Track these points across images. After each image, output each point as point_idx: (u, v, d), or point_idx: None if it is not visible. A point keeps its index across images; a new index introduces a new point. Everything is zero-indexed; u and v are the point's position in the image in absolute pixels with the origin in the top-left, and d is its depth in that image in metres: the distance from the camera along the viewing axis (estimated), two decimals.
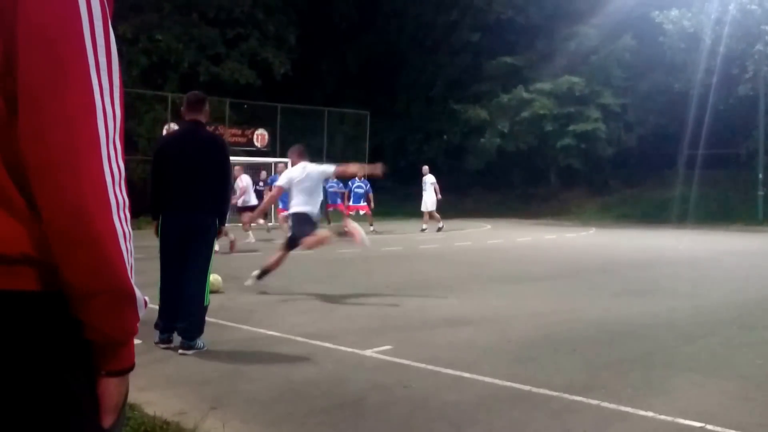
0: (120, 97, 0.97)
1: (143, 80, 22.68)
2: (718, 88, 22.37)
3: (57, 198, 0.90)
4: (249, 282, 7.68)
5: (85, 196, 0.91)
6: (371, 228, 18.38)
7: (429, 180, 18.50)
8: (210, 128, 5.41)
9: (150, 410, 3.47)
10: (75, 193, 0.90)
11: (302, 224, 7.57)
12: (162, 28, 23.61)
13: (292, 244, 7.69)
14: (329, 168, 8.00)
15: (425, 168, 18.97)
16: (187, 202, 4.89)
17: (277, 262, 7.73)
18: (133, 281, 1.00)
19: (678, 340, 5.31)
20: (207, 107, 5.15)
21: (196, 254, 4.91)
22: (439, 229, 17.88)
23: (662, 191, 24.17)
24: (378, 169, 8.66)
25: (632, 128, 26.43)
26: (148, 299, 1.06)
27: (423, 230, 17.80)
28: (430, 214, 18.29)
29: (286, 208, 17.82)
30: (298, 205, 7.59)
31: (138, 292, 1.01)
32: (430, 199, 18.26)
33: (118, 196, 0.95)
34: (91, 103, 0.92)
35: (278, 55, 26.88)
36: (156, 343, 4.98)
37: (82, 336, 0.99)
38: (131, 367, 1.06)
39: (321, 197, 8.20)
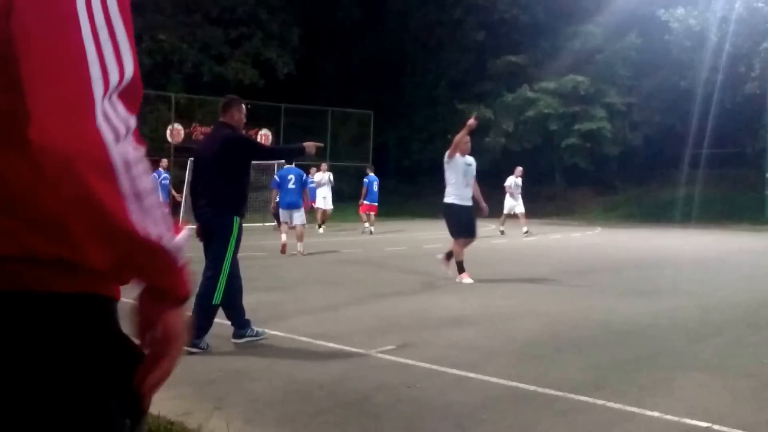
0: (131, 48, 0.95)
1: (146, 80, 22.31)
2: (724, 86, 22.27)
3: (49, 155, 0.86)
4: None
5: (75, 154, 0.86)
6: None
7: (519, 182, 17.33)
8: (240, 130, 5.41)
9: (154, 410, 3.46)
10: (66, 153, 0.85)
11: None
12: (165, 28, 23.67)
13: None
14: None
15: (519, 169, 17.52)
16: (204, 201, 5.06)
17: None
18: (155, 235, 0.92)
19: (684, 340, 5.28)
20: (234, 109, 5.19)
21: (211, 253, 4.97)
22: (502, 232, 16.58)
23: (668, 190, 24.09)
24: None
25: (638, 127, 26.34)
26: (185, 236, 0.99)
27: (527, 232, 16.44)
28: (516, 215, 16.96)
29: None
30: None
31: (159, 238, 0.92)
32: (516, 201, 17.07)
33: (120, 151, 0.90)
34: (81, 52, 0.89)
35: (282, 54, 26.92)
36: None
37: (78, 339, 0.97)
38: (186, 297, 1.02)
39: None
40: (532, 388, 3.98)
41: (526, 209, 17.81)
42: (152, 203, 0.92)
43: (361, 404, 3.75)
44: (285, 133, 24.97)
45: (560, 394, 3.85)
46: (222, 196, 5.02)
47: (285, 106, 24.85)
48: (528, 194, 28.22)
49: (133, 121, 0.94)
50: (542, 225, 21.16)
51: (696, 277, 9.06)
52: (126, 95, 0.94)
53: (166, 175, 16.33)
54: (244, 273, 5.31)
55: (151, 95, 22.53)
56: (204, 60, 25.35)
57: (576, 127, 25.72)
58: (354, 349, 4.90)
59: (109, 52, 0.92)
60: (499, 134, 27.09)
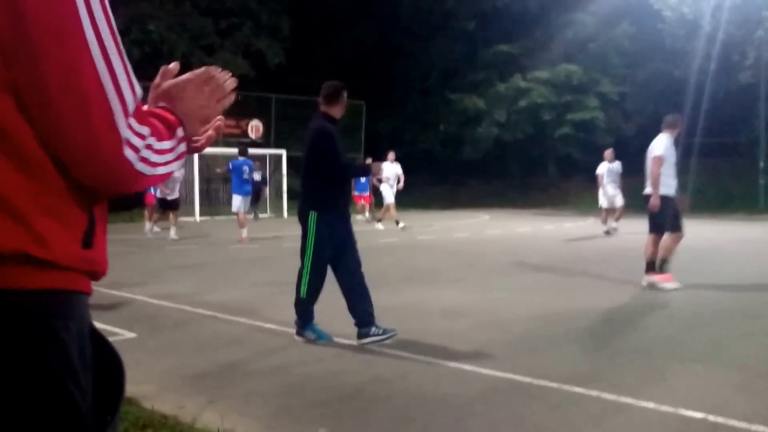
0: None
1: (136, 71, 22.53)
2: (717, 75, 22.27)
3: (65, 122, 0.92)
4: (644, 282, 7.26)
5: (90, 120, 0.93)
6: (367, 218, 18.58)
7: (616, 168, 14.37)
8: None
9: (148, 404, 3.44)
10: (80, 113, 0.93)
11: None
12: (154, 18, 23.45)
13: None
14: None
15: (610, 152, 14.67)
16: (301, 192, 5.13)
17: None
18: (157, 165, 1.03)
19: (679, 330, 5.29)
20: (341, 100, 5.07)
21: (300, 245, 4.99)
22: (607, 233, 13.92)
23: None
24: None
25: (631, 117, 26.34)
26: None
27: (608, 232, 13.89)
28: (611, 212, 14.21)
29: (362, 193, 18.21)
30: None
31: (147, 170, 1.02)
32: (615, 191, 14.18)
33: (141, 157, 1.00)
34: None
35: (272, 44, 26.74)
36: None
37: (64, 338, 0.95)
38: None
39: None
40: (527, 379, 3.97)
41: (521, 200, 16.84)
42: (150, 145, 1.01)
43: (356, 397, 3.74)
44: (276, 123, 24.86)
45: (555, 385, 3.84)
46: (304, 189, 5.04)
47: (276, 96, 24.74)
48: (521, 184, 28.40)
49: (145, 130, 1.01)
50: (535, 215, 21.19)
51: (690, 266, 9.07)
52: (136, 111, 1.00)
53: None
54: (235, 265, 5.29)
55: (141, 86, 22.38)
56: (194, 50, 25.15)
57: (569, 116, 25.71)
58: (348, 342, 4.89)
59: (123, 76, 0.98)
60: (491, 124, 27.06)
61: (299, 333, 4.94)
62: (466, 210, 22.99)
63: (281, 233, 13.84)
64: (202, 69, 1.17)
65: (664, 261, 7.27)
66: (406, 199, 25.89)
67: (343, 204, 5.13)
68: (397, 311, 6.09)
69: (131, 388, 3.69)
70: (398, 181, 16.28)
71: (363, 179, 19.20)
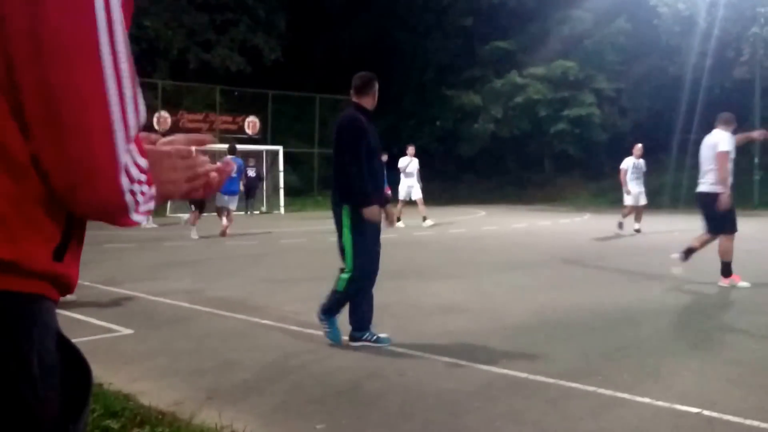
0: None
1: None
2: (713, 71, 22.33)
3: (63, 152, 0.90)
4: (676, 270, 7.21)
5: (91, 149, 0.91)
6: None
7: (641, 165, 13.66)
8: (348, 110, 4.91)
9: (145, 401, 3.44)
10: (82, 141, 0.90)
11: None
12: (150, 14, 23.38)
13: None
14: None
15: (639, 147, 13.66)
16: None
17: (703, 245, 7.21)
18: (137, 210, 0.98)
19: (674, 326, 5.31)
20: (373, 91, 4.91)
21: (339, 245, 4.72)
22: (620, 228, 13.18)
23: (657, 176, 24.17)
24: None
25: (626, 113, 26.40)
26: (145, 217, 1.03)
27: (638, 231, 13.20)
28: (638, 210, 13.55)
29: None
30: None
31: (132, 207, 0.98)
32: (639, 188, 13.47)
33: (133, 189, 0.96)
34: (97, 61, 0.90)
35: (268, 41, 26.70)
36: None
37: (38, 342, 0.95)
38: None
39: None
40: (523, 375, 3.99)
41: (517, 195, 16.66)
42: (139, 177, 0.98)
43: (353, 392, 3.75)
44: (273, 120, 24.82)
45: (551, 381, 3.86)
46: (336, 182, 4.72)
47: (272, 92, 24.69)
48: (517, 181, 28.42)
49: (143, 162, 0.98)
50: (531, 211, 21.22)
51: (686, 262, 9.10)
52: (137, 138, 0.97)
53: None
54: (232, 261, 5.28)
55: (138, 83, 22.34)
56: (190, 46, 25.09)
57: (565, 113, 25.74)
58: (345, 338, 4.89)
59: (130, 98, 0.94)
60: (488, 120, 27.07)
61: (318, 315, 4.72)
62: (463, 206, 23.00)
63: (278, 229, 13.84)
64: (181, 146, 1.11)
65: (692, 250, 7.25)
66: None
67: (377, 199, 4.76)
68: (394, 307, 6.10)
69: (128, 385, 3.70)
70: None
71: None
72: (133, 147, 0.95)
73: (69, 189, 0.92)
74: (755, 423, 3.17)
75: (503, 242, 12.29)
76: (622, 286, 7.19)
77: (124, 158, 0.93)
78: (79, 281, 5.61)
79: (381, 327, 5.23)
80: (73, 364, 1.04)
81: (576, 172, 27.51)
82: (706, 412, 3.32)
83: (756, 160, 21.51)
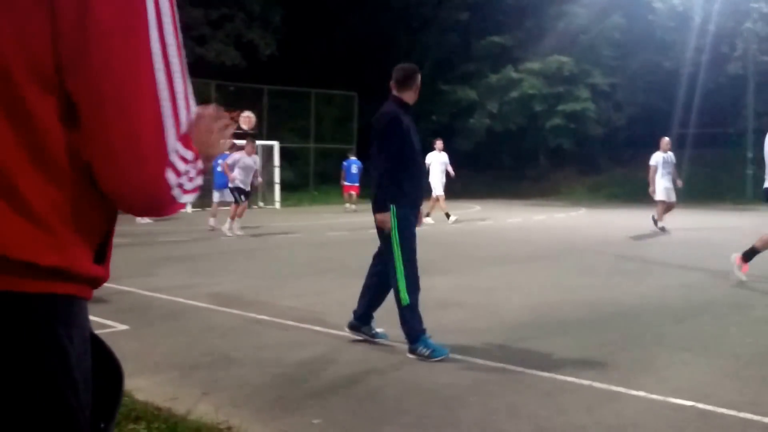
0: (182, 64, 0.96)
1: None
2: (707, 66, 22.38)
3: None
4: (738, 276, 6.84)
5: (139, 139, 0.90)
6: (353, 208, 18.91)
7: (671, 158, 12.79)
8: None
9: (141, 397, 3.44)
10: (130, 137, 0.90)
11: None
12: None
13: None
14: None
15: (666, 141, 12.94)
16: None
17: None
18: (185, 193, 0.99)
19: (669, 320, 5.33)
20: (415, 85, 4.65)
21: (385, 251, 4.47)
22: (663, 229, 12.34)
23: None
24: None
25: (621, 108, 26.44)
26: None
27: (663, 229, 12.35)
28: (668, 207, 12.58)
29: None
30: None
31: (178, 192, 0.98)
32: (670, 183, 12.60)
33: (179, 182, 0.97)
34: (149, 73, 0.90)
35: (264, 35, 26.61)
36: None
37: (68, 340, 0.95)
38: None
39: None
40: (519, 369, 4.00)
41: (513, 190, 16.14)
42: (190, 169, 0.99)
43: (350, 388, 3.75)
44: (268, 115, 24.76)
45: (547, 374, 3.88)
46: (377, 180, 4.43)
47: (268, 87, 24.62)
48: (513, 175, 28.42)
49: (189, 154, 0.97)
50: (526, 206, 21.25)
51: (680, 256, 9.14)
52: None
53: None
54: (228, 257, 5.27)
55: None
56: (185, 41, 24.90)
57: (560, 107, 25.76)
58: (341, 333, 4.90)
59: (181, 94, 0.94)
60: (483, 115, 27.08)
61: (411, 350, 4.31)
62: (458, 200, 23.01)
63: (274, 224, 13.83)
64: (212, 106, 1.15)
65: (756, 252, 6.92)
66: None
67: (419, 197, 4.59)
68: (390, 301, 6.09)
69: (124, 381, 3.70)
70: (446, 172, 15.18)
71: (354, 170, 19.71)
72: (181, 143, 0.94)
73: (117, 186, 0.91)
74: (749, 416, 3.19)
75: (498, 237, 12.31)
76: (617, 280, 7.21)
77: (172, 155, 0.92)
78: None
79: (377, 322, 5.23)
80: (104, 363, 1.05)
81: (571, 167, 27.55)
82: (700, 405, 3.34)
83: (750, 154, 21.58)
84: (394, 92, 4.60)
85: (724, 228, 12.52)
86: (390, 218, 4.36)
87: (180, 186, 0.96)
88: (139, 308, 5.98)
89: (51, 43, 0.87)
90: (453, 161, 15.78)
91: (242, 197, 12.41)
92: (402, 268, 4.35)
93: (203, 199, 21.51)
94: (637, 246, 10.55)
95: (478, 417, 3.29)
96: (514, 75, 26.53)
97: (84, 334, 0.99)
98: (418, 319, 4.36)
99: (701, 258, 9.00)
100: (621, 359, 4.20)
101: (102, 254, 1.00)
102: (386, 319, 5.32)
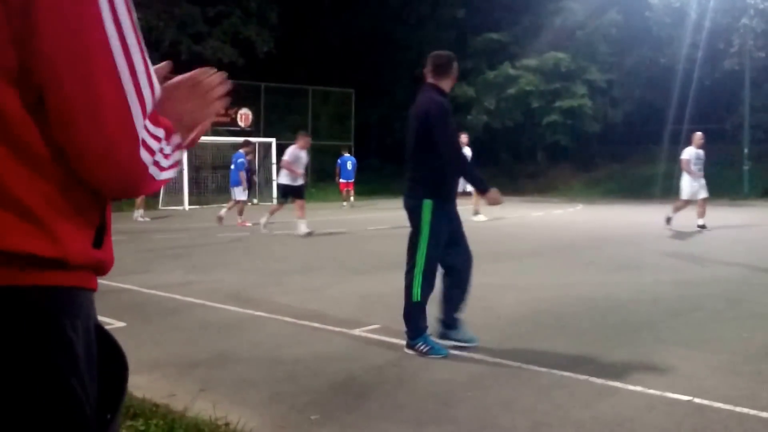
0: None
1: None
2: (703, 62, 22.42)
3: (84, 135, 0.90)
4: None
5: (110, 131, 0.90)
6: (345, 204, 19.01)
7: (702, 155, 12.41)
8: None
9: (138, 393, 3.44)
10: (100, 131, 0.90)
11: None
12: (141, 6, 23.17)
13: None
14: None
15: (698, 136, 12.46)
16: (405, 179, 4.41)
17: None
18: (163, 170, 1.00)
19: (665, 315, 5.35)
20: (453, 71, 4.47)
21: (410, 243, 4.35)
22: (669, 220, 12.11)
23: (648, 166, 24.29)
24: None
25: (618, 104, 26.47)
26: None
27: (703, 226, 11.86)
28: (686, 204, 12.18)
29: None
30: None
31: (154, 169, 0.98)
32: (701, 181, 12.10)
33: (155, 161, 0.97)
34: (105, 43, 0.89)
35: (261, 32, 26.54)
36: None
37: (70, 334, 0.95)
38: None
39: None
40: (515, 364, 4.01)
41: (510, 187, 15.76)
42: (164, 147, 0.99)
43: (347, 384, 3.76)
44: (265, 112, 24.74)
45: (544, 370, 3.89)
46: (413, 174, 4.31)
47: (265, 84, 24.59)
48: (510, 171, 28.41)
49: (161, 132, 0.97)
50: (524, 202, 21.27)
51: (676, 252, 9.16)
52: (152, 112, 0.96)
53: None
54: (224, 253, 5.26)
55: None
56: (182, 38, 24.91)
57: (557, 104, 25.78)
58: (338, 329, 4.91)
59: (143, 73, 0.93)
60: (480, 112, 27.07)
61: (410, 345, 4.28)
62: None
63: (270, 220, 13.81)
64: (193, 72, 1.12)
65: None
66: (397, 186, 25.92)
67: (456, 190, 4.48)
68: (387, 297, 6.11)
69: None
70: None
71: (349, 167, 19.79)
72: (150, 122, 0.94)
73: (92, 170, 0.91)
74: (745, 410, 3.21)
75: (495, 233, 12.31)
76: (614, 275, 7.23)
77: (143, 134, 0.92)
78: None
79: (374, 317, 5.25)
80: (109, 353, 1.05)
81: (568, 163, 27.59)
82: (696, 400, 3.35)
83: (746, 150, 21.62)
84: (431, 80, 4.43)
85: (721, 224, 12.54)
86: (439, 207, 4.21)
87: (156, 164, 0.96)
88: (137, 305, 5.98)
89: (7, 34, 0.86)
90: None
91: (283, 198, 12.14)
92: (423, 264, 4.27)
93: (200, 197, 21.60)
94: (633, 242, 10.57)
95: (475, 412, 3.30)
96: (511, 71, 26.53)
97: (89, 324, 1.00)
98: (423, 317, 4.32)
99: (697, 253, 9.02)
100: (618, 354, 4.22)
101: (100, 238, 0.99)
102: (383, 315, 5.33)
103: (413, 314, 4.30)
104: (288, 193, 12.00)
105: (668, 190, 21.34)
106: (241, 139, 16.36)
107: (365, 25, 30.76)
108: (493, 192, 4.43)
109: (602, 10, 25.51)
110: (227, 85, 1.15)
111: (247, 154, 14.06)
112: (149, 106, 0.93)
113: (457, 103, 27.88)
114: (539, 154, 28.88)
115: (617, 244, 10.23)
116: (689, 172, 12.03)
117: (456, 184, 4.49)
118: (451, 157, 4.25)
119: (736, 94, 22.74)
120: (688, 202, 12.12)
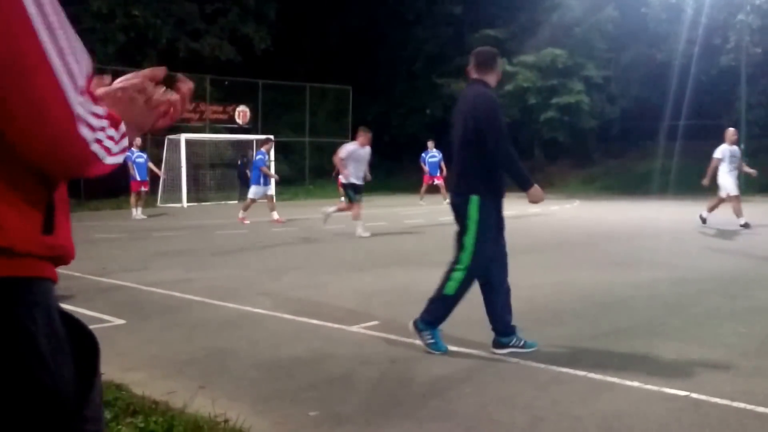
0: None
1: (120, 57, 22.28)
2: (700, 58, 22.43)
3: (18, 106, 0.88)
4: None
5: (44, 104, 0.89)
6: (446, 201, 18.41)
7: (737, 152, 12.23)
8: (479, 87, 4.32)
9: (138, 390, 3.45)
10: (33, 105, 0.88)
11: None
12: (139, 4, 23.14)
13: None
14: None
15: (731, 132, 12.24)
16: (451, 177, 4.36)
17: None
18: (111, 154, 0.99)
19: (662, 311, 5.37)
20: (498, 66, 4.45)
21: (457, 239, 4.25)
22: (704, 221, 12.06)
23: (645, 163, 24.34)
24: None
25: (615, 100, 26.49)
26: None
27: (745, 225, 11.55)
28: (732, 200, 11.86)
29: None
30: None
31: (101, 152, 0.97)
32: (734, 180, 11.93)
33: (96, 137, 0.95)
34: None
35: (259, 30, 26.50)
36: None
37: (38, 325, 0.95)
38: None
39: None
40: (514, 360, 4.03)
41: (507, 182, 15.72)
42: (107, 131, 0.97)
43: (346, 380, 3.77)
44: (263, 109, 24.73)
45: (542, 366, 3.91)
46: (461, 170, 4.23)
47: (263, 82, 24.58)
48: None
49: (99, 109, 0.96)
50: (520, 198, 21.25)
51: (673, 248, 9.19)
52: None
53: (140, 153, 15.92)
54: (223, 250, 5.26)
55: (126, 73, 22.11)
56: (179, 36, 24.86)
57: (554, 100, 25.78)
58: (336, 326, 4.92)
59: (67, 48, 0.91)
60: None
61: (416, 326, 4.23)
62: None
63: (269, 218, 13.82)
64: (135, 80, 1.13)
65: None
66: (394, 183, 25.93)
67: (505, 186, 4.34)
68: (386, 294, 6.13)
69: (120, 375, 3.71)
70: None
71: (433, 160, 19.02)
72: (86, 98, 0.93)
73: (33, 150, 0.89)
74: (742, 405, 3.23)
75: None
76: (611, 271, 7.24)
77: (78, 109, 0.90)
78: (70, 272, 5.56)
79: (372, 314, 5.26)
80: (78, 337, 1.05)
81: (565, 160, 27.62)
82: (694, 395, 3.37)
83: (742, 146, 21.62)
84: (475, 75, 4.38)
85: (716, 220, 12.56)
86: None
87: (99, 142, 0.94)
88: (136, 303, 5.98)
89: None
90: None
91: (358, 195, 11.07)
92: (469, 262, 4.16)
93: (198, 194, 21.59)
94: (631, 238, 10.60)
95: (473, 408, 3.31)
96: (509, 68, 26.47)
97: (51, 313, 0.98)
98: (446, 313, 4.22)
99: (693, 250, 9.05)
100: (615, 350, 4.23)
101: (50, 223, 0.97)
102: (382, 312, 5.34)
103: (438, 305, 4.20)
104: (360, 190, 11.15)
105: (665, 187, 21.41)
106: (240, 137, 16.39)
107: (362, 23, 30.74)
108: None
109: (599, 7, 25.50)
110: (170, 97, 1.17)
111: (267, 151, 14.38)
112: (80, 80, 0.91)
113: (454, 100, 27.69)
114: (536, 150, 28.88)
115: (614, 240, 10.25)
116: (710, 173, 11.76)
117: (505, 179, 4.32)
118: (499, 150, 4.11)
119: (733, 91, 22.76)
120: (738, 197, 11.76)
